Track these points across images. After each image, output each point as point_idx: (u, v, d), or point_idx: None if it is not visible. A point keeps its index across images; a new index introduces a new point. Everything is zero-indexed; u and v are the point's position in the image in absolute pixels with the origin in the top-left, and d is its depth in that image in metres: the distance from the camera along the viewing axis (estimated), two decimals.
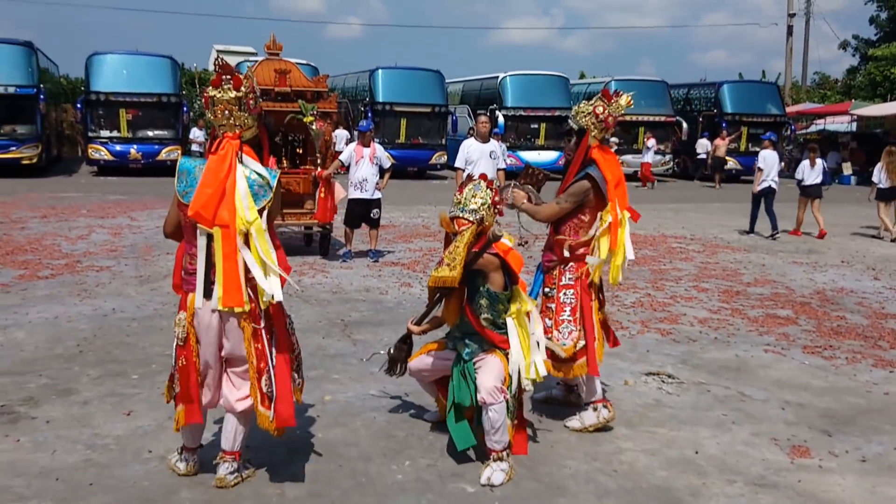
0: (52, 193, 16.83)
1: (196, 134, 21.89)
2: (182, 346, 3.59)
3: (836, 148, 29.58)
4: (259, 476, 3.85)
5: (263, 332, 3.58)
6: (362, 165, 9.67)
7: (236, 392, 3.67)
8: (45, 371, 5.29)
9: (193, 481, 3.77)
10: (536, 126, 26.00)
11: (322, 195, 9.43)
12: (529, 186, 4.72)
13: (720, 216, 16.32)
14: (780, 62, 51.66)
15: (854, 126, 31.75)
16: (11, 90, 20.50)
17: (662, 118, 26.65)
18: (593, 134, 4.49)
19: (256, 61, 10.59)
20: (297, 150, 10.19)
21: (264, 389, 3.60)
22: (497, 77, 26.67)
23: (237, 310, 3.48)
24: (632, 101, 4.59)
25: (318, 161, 9.64)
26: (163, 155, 22.26)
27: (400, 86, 24.85)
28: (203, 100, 3.62)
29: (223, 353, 3.63)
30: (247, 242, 3.47)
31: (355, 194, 9.75)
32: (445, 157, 24.52)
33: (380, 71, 25.13)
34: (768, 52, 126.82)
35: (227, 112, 3.53)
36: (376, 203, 9.87)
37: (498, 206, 4.11)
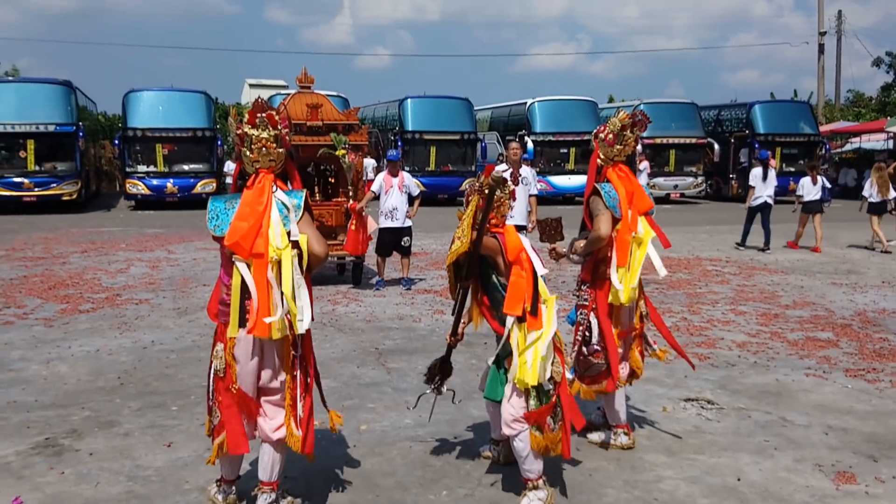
0: (91, 228, 17.21)
1: (230, 167, 22.25)
2: (222, 378, 3.62)
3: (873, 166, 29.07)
4: None
5: (298, 359, 3.65)
6: (392, 194, 9.78)
7: (271, 421, 3.68)
8: (87, 404, 5.39)
9: None
10: (566, 151, 26.00)
11: (353, 227, 9.41)
12: (556, 239, 4.73)
13: (755, 237, 16.10)
14: (812, 81, 51.49)
15: (891, 143, 31.23)
16: (52, 128, 21.12)
17: (693, 140, 26.52)
18: (600, 153, 4.67)
19: (289, 94, 10.77)
20: (330, 181, 10.32)
21: (299, 413, 3.64)
22: (525, 103, 26.79)
23: (276, 337, 3.52)
24: (628, 117, 4.67)
25: (350, 193, 9.72)
26: (198, 188, 22.68)
27: (429, 114, 25.13)
28: (238, 136, 3.67)
29: (260, 383, 3.66)
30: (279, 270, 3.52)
31: (386, 223, 9.84)
32: None
33: (409, 100, 25.44)
34: (800, 71, 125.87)
35: (264, 149, 3.62)
36: (407, 231, 9.94)
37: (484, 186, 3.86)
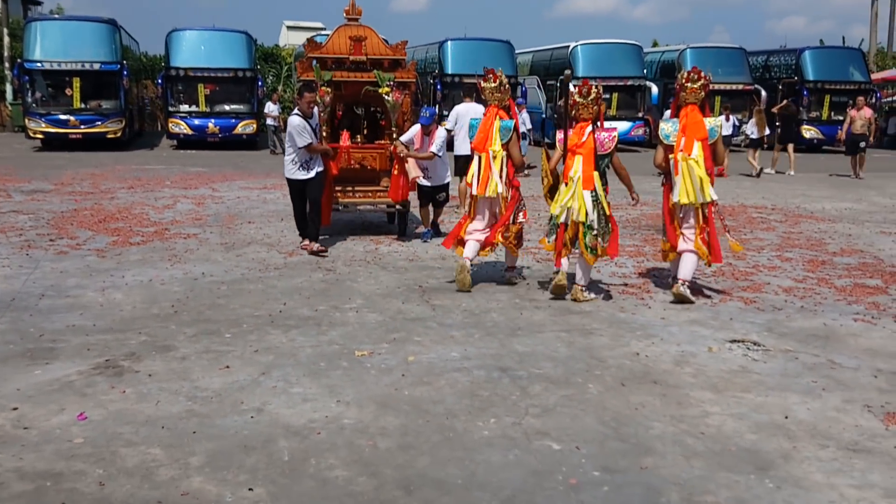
0: (136, 166, 17.47)
1: (270, 108, 22.10)
2: (467, 214, 7.05)
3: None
4: (350, 429, 3.99)
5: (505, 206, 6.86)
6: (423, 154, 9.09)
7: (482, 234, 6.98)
8: (143, 329, 5.57)
9: (289, 431, 3.93)
10: (609, 96, 25.42)
11: (395, 172, 9.04)
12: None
13: (802, 186, 15.81)
14: (861, 29, 49.09)
15: None
16: (97, 66, 21.29)
17: (740, 86, 25.79)
18: (681, 97, 6.68)
19: (328, 35, 10.31)
20: (381, 124, 9.87)
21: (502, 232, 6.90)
22: (568, 46, 26.23)
23: (490, 194, 6.77)
24: (685, 74, 6.66)
25: (395, 135, 9.17)
26: (239, 129, 22.75)
27: (469, 57, 24.58)
28: (479, 87, 7.05)
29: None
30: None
31: (421, 182, 9.24)
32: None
33: (449, 42, 25.05)
34: (849, 18, 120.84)
35: (491, 94, 6.92)
36: (442, 188, 9.43)
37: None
